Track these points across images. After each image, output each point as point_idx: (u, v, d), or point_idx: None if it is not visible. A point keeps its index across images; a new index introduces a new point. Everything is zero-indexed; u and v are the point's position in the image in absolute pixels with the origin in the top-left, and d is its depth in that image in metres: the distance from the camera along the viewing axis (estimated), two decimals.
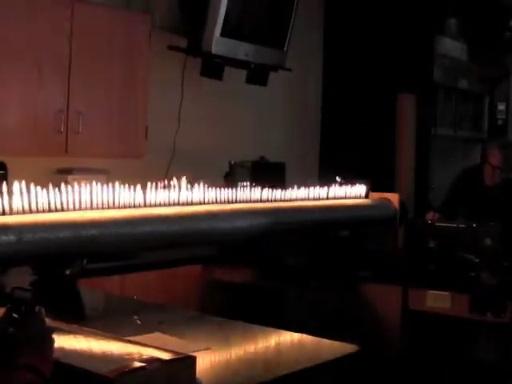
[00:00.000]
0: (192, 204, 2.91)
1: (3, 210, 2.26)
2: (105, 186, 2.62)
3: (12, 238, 2.21)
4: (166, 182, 2.89)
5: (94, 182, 2.59)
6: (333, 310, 4.50)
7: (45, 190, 2.40)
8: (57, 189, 2.45)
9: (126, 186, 2.71)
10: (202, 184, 2.97)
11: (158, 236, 2.75)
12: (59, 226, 2.38)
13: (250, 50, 6.05)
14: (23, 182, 2.36)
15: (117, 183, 2.65)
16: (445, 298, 4.32)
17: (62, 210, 2.45)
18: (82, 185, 2.57)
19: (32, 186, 2.39)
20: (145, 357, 1.94)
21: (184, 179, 2.90)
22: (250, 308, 4.39)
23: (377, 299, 4.49)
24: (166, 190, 2.83)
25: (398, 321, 4.41)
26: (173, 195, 2.84)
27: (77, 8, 4.73)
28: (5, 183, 2.34)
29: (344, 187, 3.70)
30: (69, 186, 2.52)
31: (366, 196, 3.87)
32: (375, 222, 4.04)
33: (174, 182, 2.89)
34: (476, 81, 8.98)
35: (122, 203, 2.66)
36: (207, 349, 2.47)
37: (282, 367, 2.47)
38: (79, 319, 2.72)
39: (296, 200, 3.42)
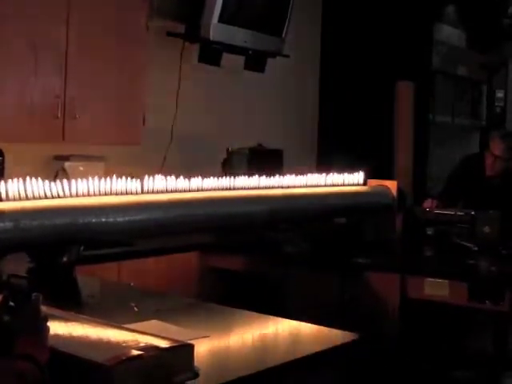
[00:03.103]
0: (190, 191, 2.90)
1: (0, 197, 2.24)
2: (102, 173, 2.60)
3: (9, 224, 2.20)
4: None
5: (90, 169, 2.58)
6: (331, 298, 4.49)
7: (42, 176, 2.38)
8: (54, 175, 2.44)
9: (123, 173, 2.70)
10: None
11: (156, 223, 2.74)
12: (56, 212, 2.37)
13: (248, 36, 6.03)
14: (20, 168, 2.34)
15: (114, 170, 2.64)
16: (443, 286, 4.31)
17: (59, 196, 2.43)
18: (79, 171, 2.56)
19: (29, 172, 2.38)
20: (142, 345, 1.93)
21: None
22: (247, 295, 4.38)
23: (375, 287, 4.48)
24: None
25: (396, 308, 4.41)
26: (170, 182, 2.83)
27: None
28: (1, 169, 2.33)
29: (342, 174, 3.70)
30: (66, 173, 2.51)
31: (364, 183, 3.86)
32: (373, 210, 4.03)
33: None
34: (475, 68, 8.95)
35: (119, 190, 2.65)
36: (205, 336, 2.46)
37: (281, 355, 2.47)
38: (76, 306, 2.71)
39: (294, 187, 3.41)
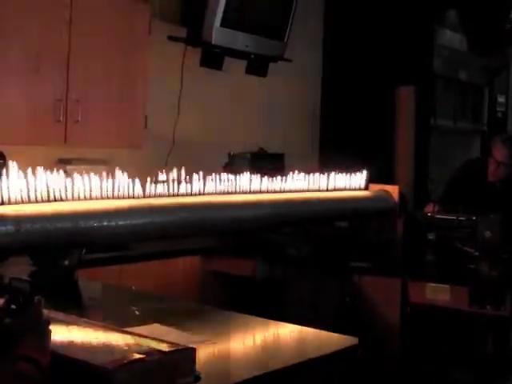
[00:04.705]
0: (191, 195, 2.90)
1: (2, 200, 2.24)
2: (104, 176, 2.61)
3: (10, 228, 2.20)
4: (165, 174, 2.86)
5: (92, 173, 2.58)
6: (332, 302, 4.49)
7: (43, 180, 2.39)
8: (56, 179, 2.44)
9: (125, 176, 2.70)
10: (201, 174, 2.95)
11: (157, 226, 2.74)
12: (58, 216, 2.37)
13: (250, 40, 6.04)
14: (22, 172, 2.34)
15: (116, 173, 2.64)
16: (444, 291, 4.31)
17: (61, 200, 2.44)
18: (81, 175, 2.56)
19: (31, 176, 2.38)
20: (144, 348, 1.93)
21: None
22: (249, 299, 4.38)
23: (376, 291, 4.48)
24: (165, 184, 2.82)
25: (397, 313, 4.40)
26: (172, 186, 2.83)
27: None
28: (4, 173, 2.33)
29: (344, 178, 3.70)
30: (68, 176, 2.51)
31: (366, 188, 3.87)
32: (375, 214, 4.03)
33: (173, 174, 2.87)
34: (476, 72, 8.95)
35: (121, 194, 2.65)
36: (206, 340, 2.46)
37: (282, 359, 2.46)
38: (77, 309, 2.71)
39: (296, 191, 3.41)
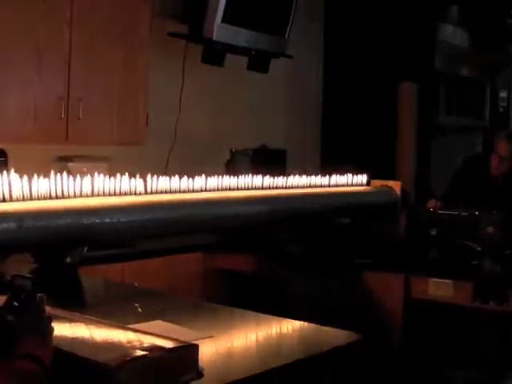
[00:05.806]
0: (193, 191, 2.90)
1: (3, 197, 2.24)
2: (106, 173, 2.60)
3: (12, 225, 2.20)
4: None
5: (94, 170, 2.58)
6: (334, 298, 4.49)
7: (45, 177, 2.38)
8: (58, 176, 2.43)
9: (127, 173, 2.70)
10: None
11: (159, 223, 2.74)
12: (60, 213, 2.36)
13: (251, 36, 6.02)
14: (24, 169, 2.34)
15: (118, 170, 2.64)
16: (447, 287, 4.31)
17: (63, 197, 2.43)
18: (83, 172, 2.55)
19: (32, 173, 2.38)
20: (146, 345, 1.93)
21: None
22: (251, 296, 4.38)
23: (379, 287, 4.47)
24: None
25: (400, 309, 4.40)
26: (174, 183, 2.83)
27: None
28: (5, 170, 2.32)
29: (345, 175, 3.70)
30: (69, 174, 2.50)
31: (368, 183, 3.86)
32: (377, 210, 4.03)
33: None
34: (478, 68, 8.95)
35: (122, 190, 2.65)
36: (209, 337, 2.46)
37: (284, 355, 2.46)
38: (80, 307, 2.71)
39: (297, 187, 3.41)
